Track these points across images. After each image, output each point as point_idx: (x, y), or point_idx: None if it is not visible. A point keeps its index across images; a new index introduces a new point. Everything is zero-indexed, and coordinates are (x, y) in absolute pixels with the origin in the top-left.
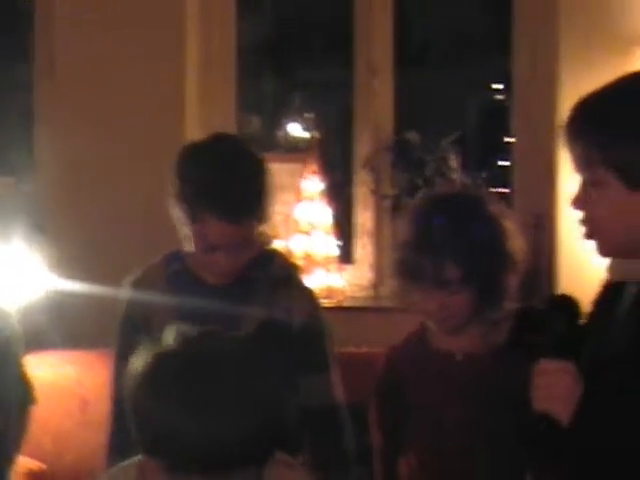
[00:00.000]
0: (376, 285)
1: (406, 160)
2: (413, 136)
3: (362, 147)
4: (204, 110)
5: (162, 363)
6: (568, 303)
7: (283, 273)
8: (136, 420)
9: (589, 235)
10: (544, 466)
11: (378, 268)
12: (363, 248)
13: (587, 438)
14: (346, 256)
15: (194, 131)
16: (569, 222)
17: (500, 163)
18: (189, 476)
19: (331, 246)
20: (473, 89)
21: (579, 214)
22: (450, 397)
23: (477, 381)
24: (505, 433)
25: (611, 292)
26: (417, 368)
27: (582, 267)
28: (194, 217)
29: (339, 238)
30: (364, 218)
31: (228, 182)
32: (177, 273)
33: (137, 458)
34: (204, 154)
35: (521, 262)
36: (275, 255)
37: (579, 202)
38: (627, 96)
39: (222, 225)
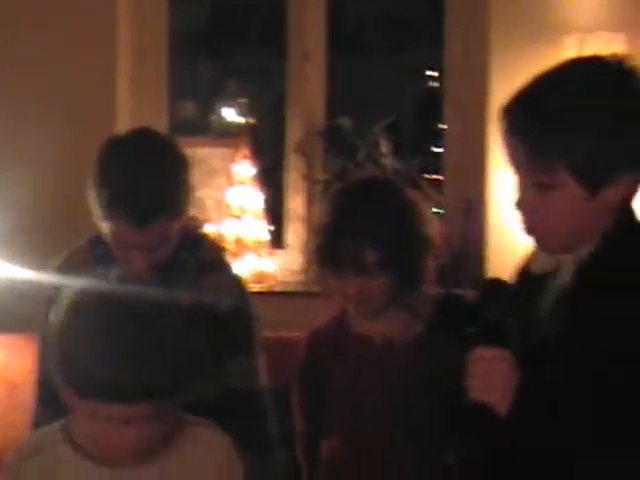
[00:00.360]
0: (307, 270)
1: (338, 145)
2: (345, 121)
3: (294, 132)
4: (136, 96)
5: (83, 297)
6: (501, 288)
7: (211, 257)
8: (58, 350)
9: (531, 233)
10: (473, 455)
11: (309, 253)
12: (294, 233)
13: (524, 430)
14: (277, 241)
15: (125, 118)
16: (498, 207)
17: (435, 150)
18: (96, 404)
19: (262, 231)
20: (408, 76)
21: (522, 213)
22: (369, 382)
23: (396, 366)
24: (425, 419)
25: (533, 283)
26: (337, 352)
27: (510, 251)
28: (106, 215)
29: (270, 223)
30: (295, 203)
31: (140, 185)
32: (104, 257)
33: (60, 422)
34: (121, 153)
35: (438, 247)
36: (203, 239)
37: (526, 205)
38: (576, 91)
39: (131, 230)
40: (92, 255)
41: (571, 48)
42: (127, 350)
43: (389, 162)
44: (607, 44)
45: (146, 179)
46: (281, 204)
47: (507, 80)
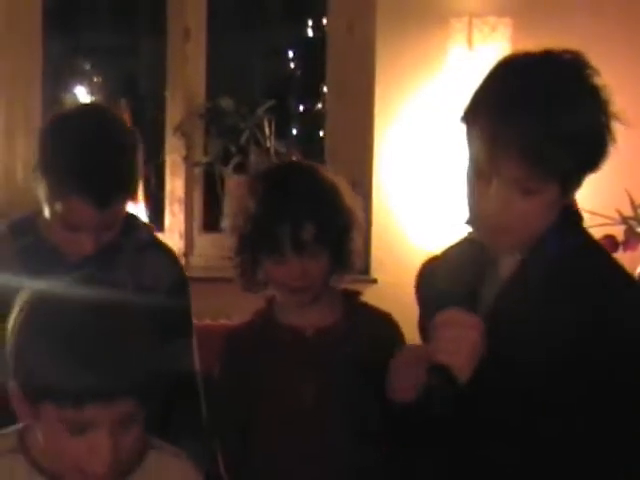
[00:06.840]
0: (186, 254)
1: (219, 127)
2: (227, 102)
3: (174, 113)
4: None
5: (38, 300)
6: None
7: (147, 237)
8: (14, 354)
9: (499, 234)
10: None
11: (188, 236)
12: (173, 216)
13: (484, 400)
14: (156, 223)
15: None
16: (383, 190)
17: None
18: (52, 408)
19: (141, 213)
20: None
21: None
22: (304, 376)
23: (329, 355)
24: (364, 402)
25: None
26: (264, 350)
27: (395, 233)
28: (57, 195)
29: (149, 205)
30: (175, 185)
31: (98, 162)
32: (30, 247)
33: (16, 426)
34: (73, 128)
35: (361, 221)
36: (136, 219)
37: (508, 213)
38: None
39: (89, 209)
40: (15, 245)
41: (459, 32)
42: (89, 350)
43: (272, 145)
44: (494, 28)
45: (106, 155)
46: (160, 186)
47: (392, 63)
